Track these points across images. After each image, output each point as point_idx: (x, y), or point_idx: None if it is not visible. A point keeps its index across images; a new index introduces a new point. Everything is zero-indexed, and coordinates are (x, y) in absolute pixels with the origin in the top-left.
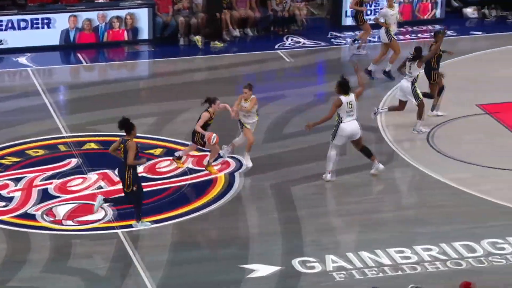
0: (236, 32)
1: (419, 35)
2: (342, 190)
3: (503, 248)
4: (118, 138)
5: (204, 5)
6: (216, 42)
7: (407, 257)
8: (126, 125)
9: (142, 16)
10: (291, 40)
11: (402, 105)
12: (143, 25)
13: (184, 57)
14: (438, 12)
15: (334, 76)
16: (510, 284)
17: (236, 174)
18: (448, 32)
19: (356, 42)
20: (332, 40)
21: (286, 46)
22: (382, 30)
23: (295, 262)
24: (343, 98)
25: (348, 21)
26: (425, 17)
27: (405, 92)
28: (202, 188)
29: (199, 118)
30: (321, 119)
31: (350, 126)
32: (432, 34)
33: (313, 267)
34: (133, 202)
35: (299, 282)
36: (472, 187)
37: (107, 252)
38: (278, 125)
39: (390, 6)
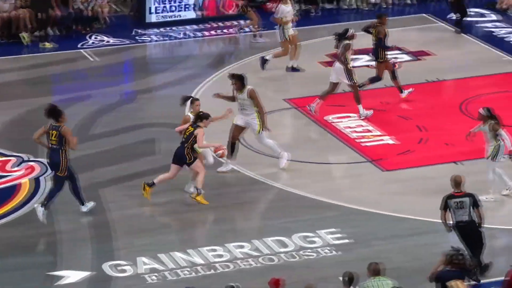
0: (37, 32)
1: (224, 30)
2: (153, 190)
3: (314, 242)
4: None
5: (30, 3)
6: (46, 42)
7: (220, 255)
8: (55, 112)
9: None
10: (95, 38)
11: (332, 87)
12: None
13: None
14: None
15: (140, 74)
16: (322, 277)
17: (42, 179)
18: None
19: (241, 31)
20: (137, 37)
21: (90, 45)
22: (278, 28)
23: (106, 266)
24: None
25: (153, 18)
26: (230, 12)
27: (338, 74)
28: (6, 194)
29: (193, 137)
30: (264, 116)
31: None
32: (376, 16)
33: (124, 271)
34: (56, 186)
35: (110, 287)
36: (281, 181)
37: None
38: (84, 126)
39: (285, 2)
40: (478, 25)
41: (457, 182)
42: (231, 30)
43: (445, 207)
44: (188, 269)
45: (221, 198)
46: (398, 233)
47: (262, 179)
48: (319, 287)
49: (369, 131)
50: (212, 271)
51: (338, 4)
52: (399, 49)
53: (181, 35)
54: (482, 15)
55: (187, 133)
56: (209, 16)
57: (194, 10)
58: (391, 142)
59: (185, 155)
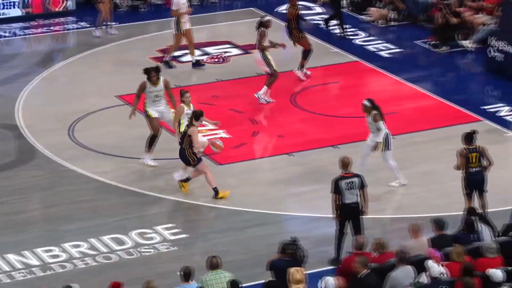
0: None
1: (51, 28)
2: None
3: (151, 238)
4: None
5: None
6: None
7: (56, 256)
8: None
9: None
10: None
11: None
12: None
13: None
14: (70, 4)
15: None
16: (160, 273)
17: None
18: (82, 23)
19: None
20: None
21: None
22: (173, 20)
23: None
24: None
25: None
26: (57, 9)
27: (258, 64)
28: None
29: (186, 136)
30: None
31: None
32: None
33: None
34: None
35: None
36: (117, 179)
37: None
38: None
39: None
40: (305, 18)
41: (345, 163)
42: (58, 27)
43: (336, 190)
44: (23, 271)
45: (55, 197)
46: (234, 226)
47: (96, 176)
48: (157, 283)
49: (202, 125)
50: (48, 272)
51: None
52: (228, 43)
53: (7, 33)
54: (308, 8)
55: (182, 133)
56: (35, 13)
57: (20, 7)
58: (224, 136)
59: (187, 157)
